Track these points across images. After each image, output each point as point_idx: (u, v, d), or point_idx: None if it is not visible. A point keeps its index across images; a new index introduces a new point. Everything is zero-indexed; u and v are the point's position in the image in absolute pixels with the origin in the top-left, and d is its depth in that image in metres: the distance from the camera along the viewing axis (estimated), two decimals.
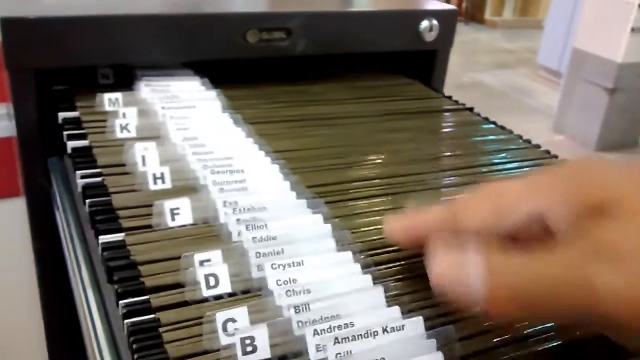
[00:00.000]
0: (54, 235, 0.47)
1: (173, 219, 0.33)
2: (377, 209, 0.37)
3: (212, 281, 0.29)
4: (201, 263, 0.30)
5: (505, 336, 0.28)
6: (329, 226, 0.33)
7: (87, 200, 0.35)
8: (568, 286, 0.20)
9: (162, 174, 0.37)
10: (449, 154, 0.46)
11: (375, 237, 0.34)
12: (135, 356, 0.25)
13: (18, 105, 0.47)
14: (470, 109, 0.56)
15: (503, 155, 0.46)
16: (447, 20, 0.60)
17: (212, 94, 0.50)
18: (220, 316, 0.26)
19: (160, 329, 0.26)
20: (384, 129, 0.50)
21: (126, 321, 0.27)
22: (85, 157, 0.40)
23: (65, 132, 0.43)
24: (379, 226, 0.35)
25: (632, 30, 2.28)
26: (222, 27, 0.51)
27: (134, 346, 0.25)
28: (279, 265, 0.30)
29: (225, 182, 0.36)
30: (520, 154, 0.47)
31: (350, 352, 0.25)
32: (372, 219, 0.36)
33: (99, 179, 0.37)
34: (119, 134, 0.43)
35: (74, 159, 0.40)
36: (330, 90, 0.57)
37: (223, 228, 0.33)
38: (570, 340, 0.28)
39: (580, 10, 2.65)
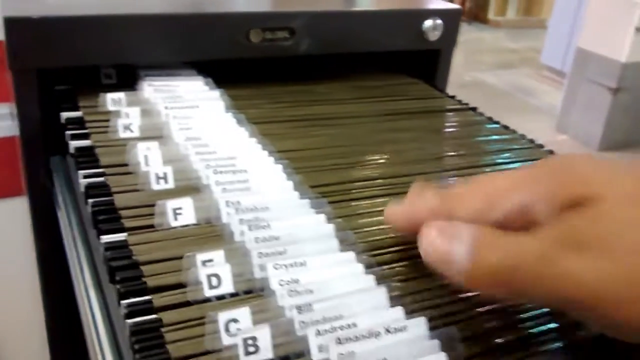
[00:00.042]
0: (56, 235, 0.47)
1: (175, 219, 0.33)
2: (380, 209, 0.37)
3: (214, 281, 0.29)
4: (203, 263, 0.30)
5: (509, 337, 0.28)
6: (332, 226, 0.33)
7: (90, 200, 0.35)
8: (538, 269, 0.22)
9: (164, 173, 0.37)
10: (452, 153, 0.46)
11: (378, 237, 0.34)
12: (137, 356, 0.25)
13: (21, 105, 0.47)
14: (474, 109, 0.56)
15: (507, 155, 0.46)
16: (451, 20, 0.60)
17: (215, 93, 0.50)
18: (223, 316, 0.26)
19: (162, 329, 0.26)
20: (387, 128, 0.50)
21: (128, 321, 0.27)
22: (87, 157, 0.40)
23: (68, 132, 0.43)
24: (383, 226, 0.35)
25: (636, 29, 2.27)
26: (225, 27, 0.51)
27: (136, 346, 0.25)
28: (281, 266, 0.29)
29: (228, 182, 0.36)
30: (523, 154, 0.47)
31: (353, 352, 0.25)
32: (375, 219, 0.35)
33: (101, 179, 0.37)
34: (122, 134, 0.42)
35: (76, 159, 0.40)
36: (333, 90, 0.57)
37: (225, 228, 0.33)
38: (575, 341, 0.28)
39: (584, 10, 2.64)
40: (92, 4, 0.49)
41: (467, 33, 4.39)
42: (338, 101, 0.54)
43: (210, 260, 0.30)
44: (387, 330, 0.26)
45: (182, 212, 0.33)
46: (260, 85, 0.55)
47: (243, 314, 0.26)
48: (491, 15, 4.85)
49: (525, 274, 0.22)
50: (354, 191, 0.39)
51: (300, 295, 0.28)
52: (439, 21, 0.59)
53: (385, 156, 0.44)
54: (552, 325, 0.28)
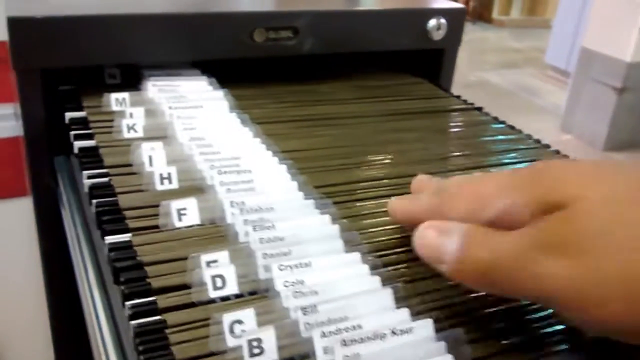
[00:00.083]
0: (61, 235, 0.47)
1: (180, 220, 0.33)
2: (385, 209, 0.37)
3: (218, 282, 0.28)
4: (208, 264, 0.29)
5: (516, 339, 0.27)
6: (337, 227, 0.33)
7: (94, 201, 0.35)
8: (516, 267, 0.23)
9: (169, 174, 0.37)
10: (458, 154, 0.46)
11: (383, 238, 0.34)
12: (142, 358, 0.25)
13: (25, 105, 0.46)
14: (479, 109, 0.55)
15: (512, 155, 0.46)
16: (455, 19, 0.60)
17: (220, 93, 0.50)
18: (227, 318, 0.26)
19: (167, 331, 0.26)
20: (392, 128, 0.50)
21: (132, 322, 0.26)
22: (92, 157, 0.40)
23: (72, 132, 0.43)
24: (388, 227, 0.34)
25: None
26: (229, 26, 0.51)
27: (140, 348, 0.25)
28: (286, 267, 0.29)
29: (233, 182, 0.36)
30: (529, 154, 0.46)
31: (359, 354, 0.25)
32: (380, 219, 0.35)
33: (105, 179, 0.37)
34: (126, 134, 0.42)
35: (80, 159, 0.40)
36: (337, 89, 0.57)
37: (230, 229, 0.33)
38: (582, 343, 0.28)
39: (589, 10, 2.63)
40: (95, 3, 0.49)
41: (471, 33, 4.38)
42: (342, 101, 0.54)
43: (214, 261, 0.30)
44: (393, 332, 0.25)
45: (187, 213, 0.33)
46: (264, 85, 0.55)
47: (248, 315, 0.26)
48: (495, 14, 4.84)
49: (505, 272, 0.24)
50: (359, 191, 0.39)
51: (305, 297, 0.28)
52: (443, 20, 0.59)
53: (390, 156, 0.44)
54: (560, 326, 0.28)
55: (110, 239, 0.32)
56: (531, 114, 2.83)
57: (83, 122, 0.44)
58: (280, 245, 0.31)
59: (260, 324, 0.26)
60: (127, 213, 0.34)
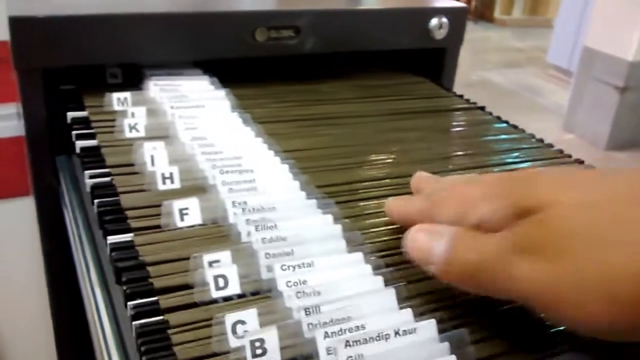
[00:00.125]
0: (63, 234, 0.47)
1: (182, 219, 0.33)
2: None
3: (221, 282, 0.28)
4: (210, 264, 0.29)
5: (520, 340, 0.27)
6: (339, 227, 0.33)
7: (96, 201, 0.35)
8: (496, 269, 0.25)
9: (171, 173, 0.37)
10: (460, 153, 0.46)
11: (386, 238, 0.33)
12: (144, 358, 0.25)
13: (26, 105, 0.46)
14: (482, 108, 0.55)
15: (516, 154, 0.46)
16: (457, 18, 0.59)
17: (221, 93, 0.49)
18: (230, 318, 0.26)
19: (169, 331, 0.26)
20: (394, 128, 0.49)
21: (135, 323, 0.26)
22: (93, 157, 0.40)
23: (74, 132, 0.43)
24: (391, 227, 0.34)
25: None
26: (231, 26, 0.51)
27: (143, 348, 0.25)
28: (288, 267, 0.29)
29: (235, 182, 0.36)
30: (533, 154, 0.46)
31: (362, 355, 0.25)
32: (383, 219, 0.35)
33: (107, 179, 0.37)
34: (128, 134, 0.42)
35: (82, 159, 0.40)
36: (339, 89, 0.57)
37: (232, 228, 0.33)
38: (586, 344, 0.27)
39: (591, 9, 2.63)
40: (97, 3, 0.49)
41: (473, 32, 4.38)
42: (344, 100, 0.54)
43: (217, 261, 0.29)
44: (397, 333, 0.25)
45: (189, 213, 0.33)
46: (266, 85, 0.55)
47: (250, 315, 0.26)
48: (497, 14, 4.83)
49: (487, 273, 0.25)
50: (361, 191, 0.38)
51: (308, 297, 0.27)
52: (445, 20, 0.58)
53: (393, 156, 0.44)
54: (562, 327, 0.28)
55: (112, 238, 0.32)
56: (533, 114, 2.82)
57: (85, 122, 0.44)
58: (283, 245, 0.31)
59: (263, 324, 0.26)
60: (129, 213, 0.34)
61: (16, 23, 0.43)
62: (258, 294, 0.28)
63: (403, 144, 0.46)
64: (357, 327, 0.26)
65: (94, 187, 0.36)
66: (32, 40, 0.44)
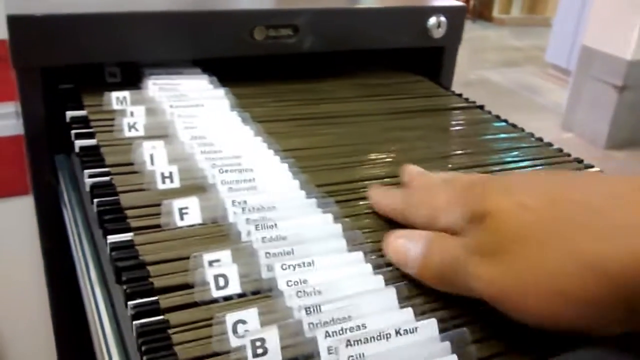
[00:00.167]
0: (62, 233, 0.47)
1: (182, 219, 0.33)
2: None
3: (221, 282, 0.28)
4: (210, 263, 0.29)
5: (521, 339, 0.27)
6: (339, 226, 0.33)
7: (95, 200, 0.35)
8: (456, 269, 0.27)
9: (170, 173, 0.37)
10: (460, 152, 0.46)
11: None
12: (144, 358, 0.25)
13: (25, 103, 0.46)
14: (481, 107, 0.55)
15: (515, 153, 0.46)
16: (455, 17, 0.59)
17: (220, 92, 0.49)
18: (230, 318, 0.26)
19: (170, 331, 0.26)
20: (393, 127, 0.49)
21: (135, 322, 0.26)
22: (93, 156, 0.40)
23: (73, 131, 0.43)
24: (391, 226, 0.34)
25: None
26: (229, 24, 0.51)
27: (143, 348, 0.25)
28: (289, 266, 0.29)
29: (234, 181, 0.36)
30: (532, 153, 0.46)
31: (363, 354, 0.25)
32: (383, 218, 0.35)
33: (107, 178, 0.37)
34: (127, 133, 0.42)
35: (82, 158, 0.40)
36: (338, 88, 0.57)
37: (232, 228, 0.33)
38: (589, 343, 0.27)
39: (589, 8, 2.63)
40: (96, 1, 0.49)
41: (472, 31, 4.38)
42: (343, 99, 0.54)
43: (217, 261, 0.29)
44: (398, 332, 0.25)
45: (189, 212, 0.33)
46: (265, 84, 0.55)
47: (251, 315, 0.26)
48: (496, 13, 4.83)
49: (451, 274, 0.27)
50: (361, 190, 0.38)
51: (309, 296, 0.27)
52: (443, 18, 0.58)
53: (392, 155, 0.44)
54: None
55: (112, 238, 0.31)
56: (532, 113, 2.82)
57: (84, 121, 0.44)
58: (283, 244, 0.31)
59: (264, 323, 0.26)
60: (129, 212, 0.34)
61: (15, 21, 0.43)
62: (258, 293, 0.28)
63: (402, 142, 0.46)
64: (358, 326, 0.26)
65: (94, 186, 0.36)
66: (31, 39, 0.44)
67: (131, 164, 0.38)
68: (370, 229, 0.34)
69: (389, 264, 0.31)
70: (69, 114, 0.45)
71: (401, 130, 0.49)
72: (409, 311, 0.27)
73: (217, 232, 0.33)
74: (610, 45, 2.39)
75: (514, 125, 0.51)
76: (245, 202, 0.34)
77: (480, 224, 0.26)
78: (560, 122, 2.71)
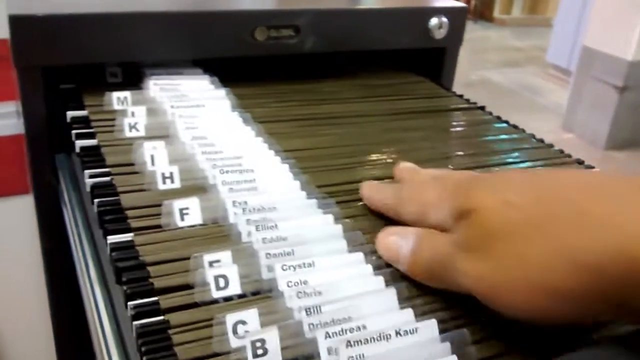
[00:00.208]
0: (62, 233, 0.47)
1: (182, 219, 0.33)
2: None
3: (221, 282, 0.28)
4: (211, 264, 0.29)
5: (521, 340, 0.27)
6: (340, 227, 0.33)
7: (96, 200, 0.35)
8: (445, 265, 0.28)
9: (171, 173, 0.37)
10: (461, 153, 0.46)
11: None
12: (144, 359, 0.25)
13: (26, 103, 0.46)
14: (482, 108, 0.55)
15: (516, 154, 0.46)
16: (456, 18, 0.59)
17: (221, 92, 0.49)
18: (231, 318, 0.26)
19: (170, 331, 0.26)
20: (395, 127, 0.49)
21: (135, 323, 0.26)
22: (93, 156, 0.40)
23: (73, 131, 0.43)
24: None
25: None
26: (231, 25, 0.51)
27: (143, 348, 0.25)
28: (289, 267, 0.29)
29: (235, 181, 0.36)
30: (533, 154, 0.46)
31: (363, 355, 0.25)
32: (383, 219, 0.35)
33: (107, 179, 0.37)
34: (128, 133, 0.42)
35: (82, 158, 0.40)
36: (340, 88, 0.57)
37: (233, 228, 0.33)
38: (588, 344, 0.27)
39: (590, 8, 2.63)
40: (97, 1, 0.49)
41: (473, 31, 4.38)
42: (345, 100, 0.54)
43: (217, 261, 0.29)
44: (398, 333, 0.25)
45: (189, 212, 0.33)
46: (266, 84, 0.55)
47: (251, 315, 0.26)
48: (497, 13, 4.83)
49: (440, 269, 0.28)
50: None
51: (309, 297, 0.27)
52: (445, 19, 0.58)
53: (394, 155, 0.44)
54: (566, 327, 0.28)
55: (112, 238, 0.31)
56: (533, 113, 2.82)
57: (84, 121, 0.44)
58: (283, 245, 0.31)
59: (264, 324, 0.26)
60: (129, 212, 0.34)
61: (16, 21, 0.43)
62: (259, 294, 0.28)
63: (403, 143, 0.46)
64: (358, 327, 0.26)
65: (94, 186, 0.36)
66: (32, 39, 0.44)
67: (132, 164, 0.38)
68: (371, 230, 0.34)
69: (389, 265, 0.31)
70: (70, 114, 0.45)
71: (402, 131, 0.49)
72: (409, 312, 0.27)
73: (217, 232, 0.33)
74: (611, 46, 2.39)
75: (515, 127, 0.51)
76: (245, 202, 0.34)
77: (466, 220, 0.27)
78: (560, 122, 2.71)
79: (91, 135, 0.42)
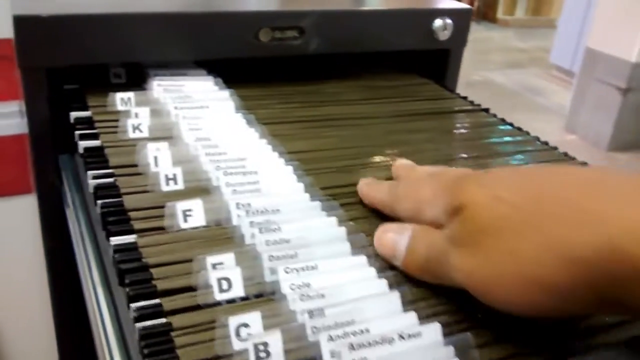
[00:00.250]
0: (65, 233, 0.47)
1: (185, 221, 0.33)
2: None
3: (224, 285, 0.28)
4: (214, 266, 0.29)
5: (525, 343, 0.27)
6: (343, 229, 0.33)
7: (99, 201, 0.35)
8: (439, 260, 0.28)
9: (174, 175, 0.37)
10: (465, 155, 0.46)
11: None
12: None
13: (30, 103, 0.46)
14: (486, 110, 0.55)
15: (520, 157, 0.46)
16: (461, 19, 0.59)
17: (225, 94, 0.49)
18: (233, 321, 0.26)
19: (172, 333, 0.26)
20: (399, 129, 0.49)
21: (137, 325, 0.26)
22: (97, 157, 0.40)
23: (77, 132, 0.43)
24: None
25: None
26: (235, 26, 0.51)
27: (145, 351, 0.25)
28: (292, 269, 0.29)
29: (239, 183, 0.36)
30: (537, 156, 0.46)
31: (366, 359, 0.24)
32: (388, 221, 0.35)
33: (110, 180, 0.37)
34: (131, 134, 0.42)
35: (85, 159, 0.40)
36: (344, 90, 0.56)
37: (236, 230, 0.32)
38: (591, 347, 0.27)
39: (594, 10, 2.62)
40: (101, 2, 0.49)
41: (476, 32, 4.37)
42: (349, 102, 0.54)
43: (220, 263, 0.29)
44: (401, 336, 0.25)
45: (192, 214, 0.33)
46: (270, 86, 0.55)
47: (254, 318, 0.26)
48: (500, 14, 4.82)
49: (434, 265, 0.29)
50: None
51: (312, 300, 0.27)
52: (449, 21, 0.58)
53: (397, 157, 0.44)
54: (569, 330, 0.28)
55: (115, 240, 0.31)
56: (536, 114, 2.82)
57: (88, 122, 0.44)
58: (287, 247, 0.31)
59: (267, 327, 0.26)
60: (133, 214, 0.34)
61: (20, 22, 0.43)
62: (262, 296, 0.28)
63: (407, 145, 0.46)
64: (361, 330, 0.26)
65: (97, 187, 0.36)
66: (36, 39, 0.44)
67: (135, 166, 0.38)
68: (375, 232, 0.34)
69: (393, 268, 0.31)
70: (74, 114, 0.45)
71: (406, 133, 0.49)
72: (412, 315, 0.27)
73: (220, 234, 0.32)
74: (615, 47, 2.39)
75: (519, 129, 0.51)
76: (249, 204, 0.34)
77: (458, 216, 0.27)
78: (563, 123, 2.71)
79: (95, 136, 0.42)
